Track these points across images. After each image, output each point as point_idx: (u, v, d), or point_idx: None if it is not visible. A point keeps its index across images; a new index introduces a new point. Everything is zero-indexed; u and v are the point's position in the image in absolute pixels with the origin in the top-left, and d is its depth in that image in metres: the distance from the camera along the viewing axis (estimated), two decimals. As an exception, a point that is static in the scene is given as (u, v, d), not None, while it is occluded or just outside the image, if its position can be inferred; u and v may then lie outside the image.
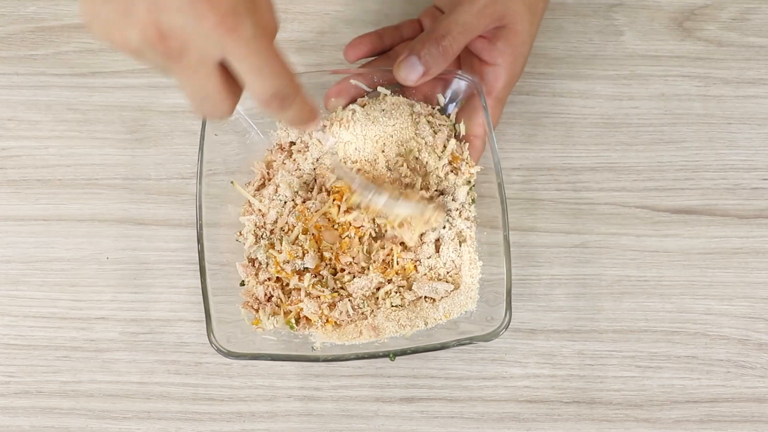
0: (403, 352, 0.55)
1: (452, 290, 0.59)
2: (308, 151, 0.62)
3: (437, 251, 0.60)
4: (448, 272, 0.59)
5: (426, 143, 0.61)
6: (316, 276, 0.58)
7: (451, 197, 0.60)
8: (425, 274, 0.59)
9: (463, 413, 0.60)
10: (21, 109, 0.68)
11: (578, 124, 0.68)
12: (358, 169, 0.60)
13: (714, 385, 0.61)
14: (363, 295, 0.58)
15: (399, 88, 0.62)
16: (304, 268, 0.58)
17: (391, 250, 0.59)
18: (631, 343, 0.62)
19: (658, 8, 0.71)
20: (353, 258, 0.59)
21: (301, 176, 0.61)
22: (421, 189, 0.60)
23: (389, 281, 0.59)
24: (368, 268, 0.59)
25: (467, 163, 0.61)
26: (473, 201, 0.61)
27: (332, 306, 0.58)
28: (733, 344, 0.62)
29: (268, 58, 0.40)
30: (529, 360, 0.62)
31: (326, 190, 0.60)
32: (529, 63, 0.65)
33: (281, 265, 0.58)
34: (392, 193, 0.57)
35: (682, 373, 0.61)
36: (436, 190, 0.60)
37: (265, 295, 0.58)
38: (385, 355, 0.55)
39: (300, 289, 0.58)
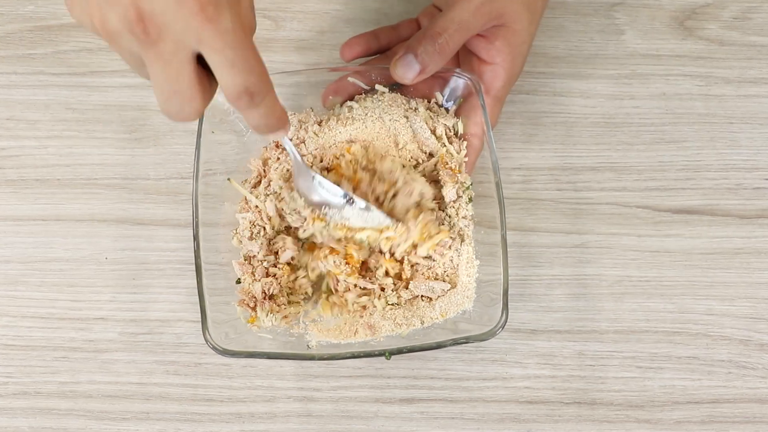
0: (399, 351, 0.54)
1: (449, 289, 0.59)
2: (303, 144, 0.61)
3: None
4: (445, 271, 0.59)
5: (417, 139, 0.61)
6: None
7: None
8: (422, 273, 0.59)
9: (463, 414, 0.60)
10: (19, 108, 0.67)
11: (579, 124, 0.67)
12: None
13: (715, 386, 0.61)
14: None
15: (397, 87, 0.62)
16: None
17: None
18: (632, 343, 0.62)
19: (660, 7, 0.71)
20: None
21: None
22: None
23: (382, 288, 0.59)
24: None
25: (456, 169, 0.61)
26: (470, 200, 0.60)
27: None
28: (734, 345, 0.62)
29: (243, 53, 0.40)
30: (530, 360, 0.61)
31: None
32: (530, 62, 0.65)
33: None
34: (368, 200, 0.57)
35: (684, 374, 0.61)
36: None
37: (263, 292, 0.58)
38: (381, 353, 0.55)
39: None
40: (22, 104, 0.67)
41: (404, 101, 0.62)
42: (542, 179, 0.66)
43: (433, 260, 0.59)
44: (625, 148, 0.67)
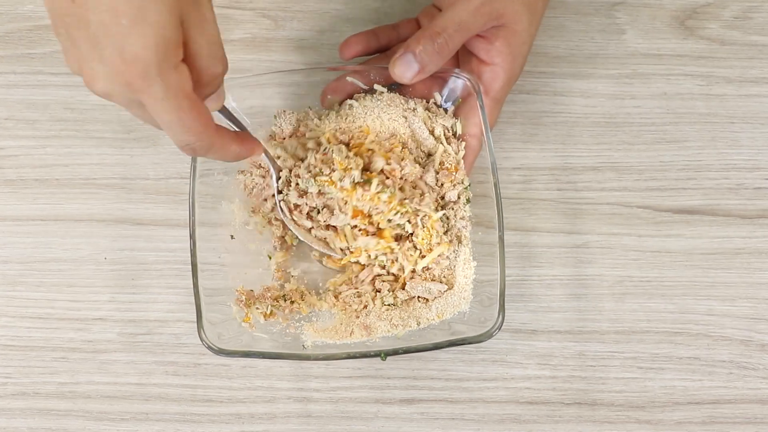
0: (395, 352, 0.54)
1: (446, 290, 0.59)
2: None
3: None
4: (441, 272, 0.59)
5: (414, 139, 0.61)
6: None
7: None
8: (419, 274, 0.59)
9: (463, 415, 0.60)
10: (18, 108, 0.67)
11: (580, 124, 0.67)
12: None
13: (716, 387, 0.61)
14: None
15: (396, 87, 0.62)
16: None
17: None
18: (632, 344, 0.61)
19: (660, 6, 0.70)
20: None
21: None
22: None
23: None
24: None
25: (454, 170, 0.60)
26: (468, 200, 0.60)
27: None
28: (735, 345, 0.62)
29: (178, 116, 0.42)
30: (530, 361, 0.61)
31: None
32: (530, 62, 0.65)
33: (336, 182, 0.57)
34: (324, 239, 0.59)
35: (684, 375, 0.61)
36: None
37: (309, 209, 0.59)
38: (377, 354, 0.55)
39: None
40: (20, 104, 0.67)
41: (403, 101, 0.62)
42: (543, 179, 0.65)
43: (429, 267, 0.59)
44: (625, 148, 0.66)
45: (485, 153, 0.59)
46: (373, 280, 0.60)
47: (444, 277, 0.59)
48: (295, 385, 0.61)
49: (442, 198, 0.60)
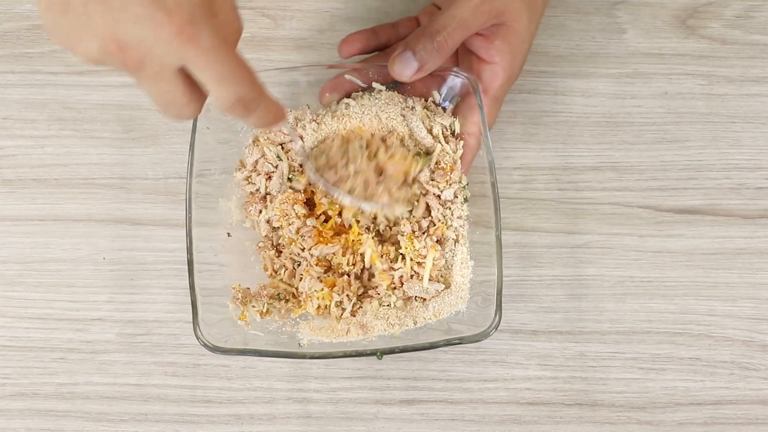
0: (391, 351, 0.54)
1: (443, 290, 0.59)
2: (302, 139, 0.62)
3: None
4: (439, 272, 0.59)
5: (412, 137, 0.60)
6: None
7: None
8: (416, 273, 0.59)
9: (464, 415, 0.60)
10: (16, 107, 0.67)
11: (580, 123, 0.67)
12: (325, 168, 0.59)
13: (718, 387, 0.60)
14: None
15: (394, 85, 0.62)
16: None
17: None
18: (633, 344, 0.61)
19: (661, 6, 0.70)
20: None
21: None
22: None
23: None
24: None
25: (449, 170, 0.60)
26: (466, 200, 0.60)
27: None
28: (737, 346, 0.61)
29: (229, 66, 0.40)
30: (531, 362, 0.61)
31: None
32: (531, 61, 0.64)
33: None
34: (357, 193, 0.57)
35: (686, 375, 0.61)
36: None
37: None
38: (373, 353, 0.55)
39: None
40: (19, 103, 0.67)
41: (401, 99, 0.61)
42: (543, 179, 0.65)
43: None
44: (626, 147, 0.66)
45: (482, 152, 0.58)
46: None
47: (441, 276, 0.59)
48: (295, 385, 0.60)
49: (440, 197, 0.60)
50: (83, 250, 0.63)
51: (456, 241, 0.59)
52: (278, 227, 0.60)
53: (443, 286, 0.59)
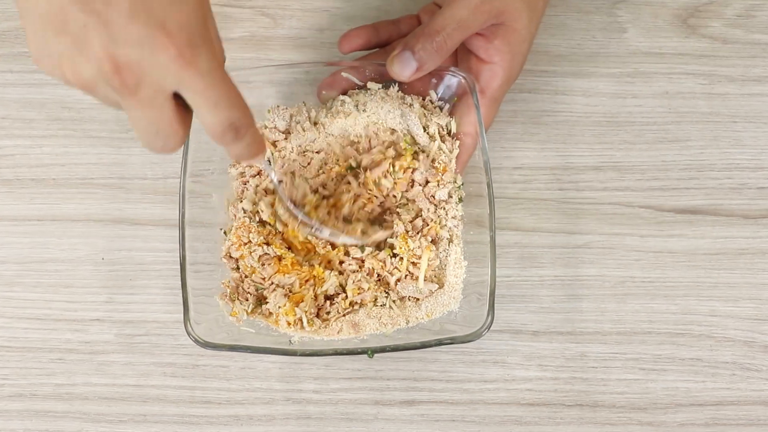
0: (383, 350, 0.54)
1: (436, 290, 0.58)
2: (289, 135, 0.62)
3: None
4: (432, 272, 0.59)
5: (409, 135, 0.60)
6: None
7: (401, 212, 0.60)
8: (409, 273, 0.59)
9: (464, 416, 0.60)
10: (15, 107, 0.67)
11: (581, 123, 0.67)
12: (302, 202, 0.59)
13: (719, 388, 0.60)
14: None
15: (391, 84, 0.62)
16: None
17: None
18: (634, 345, 0.61)
19: (662, 5, 0.70)
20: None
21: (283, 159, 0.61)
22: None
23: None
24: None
25: (442, 171, 0.60)
26: (461, 200, 0.60)
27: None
28: (738, 346, 0.61)
29: (224, 90, 0.40)
30: (531, 362, 0.61)
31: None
32: (531, 60, 0.64)
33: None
34: (335, 226, 0.58)
35: (687, 376, 0.60)
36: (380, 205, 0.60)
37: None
38: (364, 351, 0.55)
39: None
40: (17, 103, 0.67)
41: (399, 96, 0.61)
42: (544, 179, 0.65)
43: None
44: (627, 147, 0.66)
45: (479, 151, 0.58)
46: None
47: (435, 276, 0.59)
48: (294, 386, 0.60)
49: (433, 197, 0.60)
50: (82, 251, 0.63)
51: (450, 241, 0.59)
52: (237, 257, 0.59)
53: (437, 286, 0.59)
